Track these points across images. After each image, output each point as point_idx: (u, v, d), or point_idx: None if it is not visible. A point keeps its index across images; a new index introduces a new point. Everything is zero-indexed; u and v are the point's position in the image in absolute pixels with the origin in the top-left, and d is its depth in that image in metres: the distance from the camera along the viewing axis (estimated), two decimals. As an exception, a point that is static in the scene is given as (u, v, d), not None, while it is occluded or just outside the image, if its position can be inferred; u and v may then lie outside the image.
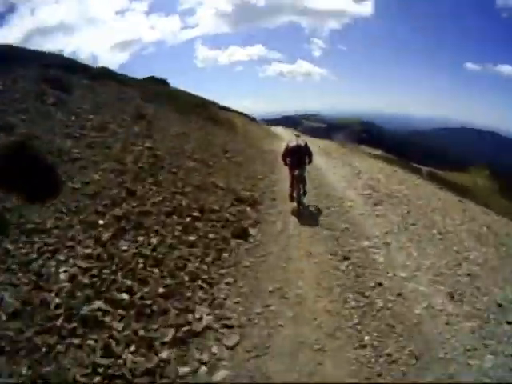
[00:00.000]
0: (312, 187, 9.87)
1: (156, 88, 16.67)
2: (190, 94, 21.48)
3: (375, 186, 10.98)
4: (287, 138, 17.86)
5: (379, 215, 8.29)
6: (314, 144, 18.45)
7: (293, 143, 7.89)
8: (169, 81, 19.98)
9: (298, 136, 8.66)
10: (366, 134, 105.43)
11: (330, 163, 15.36)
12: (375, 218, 8.13)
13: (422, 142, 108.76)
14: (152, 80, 19.75)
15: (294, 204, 7.92)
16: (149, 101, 13.62)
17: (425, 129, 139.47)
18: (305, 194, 8.14)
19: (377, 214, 8.38)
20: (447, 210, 9.41)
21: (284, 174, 10.01)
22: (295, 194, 7.81)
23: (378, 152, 75.90)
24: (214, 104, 23.02)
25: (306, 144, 7.93)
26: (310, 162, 8.09)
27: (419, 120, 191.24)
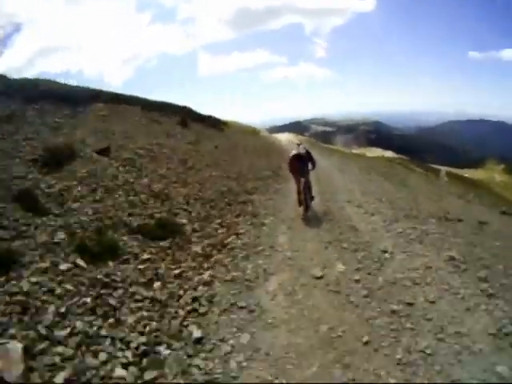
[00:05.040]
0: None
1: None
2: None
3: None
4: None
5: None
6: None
7: (295, 152, 7.77)
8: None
9: (299, 145, 8.37)
10: (374, 136, 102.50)
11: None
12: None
13: (432, 138, 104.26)
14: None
15: (301, 209, 7.61)
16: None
17: (433, 124, 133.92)
18: (312, 198, 7.90)
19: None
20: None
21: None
22: (302, 200, 7.54)
23: (389, 154, 72.83)
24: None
25: (307, 151, 7.88)
26: (314, 167, 7.95)
27: (427, 115, 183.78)
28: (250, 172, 11.29)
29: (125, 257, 5.07)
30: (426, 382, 3.01)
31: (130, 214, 6.18)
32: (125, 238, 5.55)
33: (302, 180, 7.52)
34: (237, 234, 6.24)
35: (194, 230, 6.24)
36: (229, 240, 5.98)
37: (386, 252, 5.36)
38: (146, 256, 5.22)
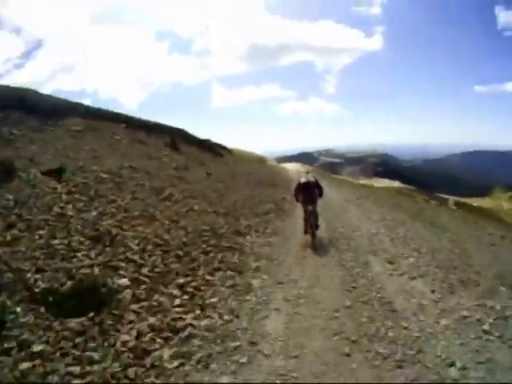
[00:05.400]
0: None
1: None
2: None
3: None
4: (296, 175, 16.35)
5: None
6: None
7: (303, 180, 7.76)
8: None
9: (307, 173, 8.32)
10: (381, 168, 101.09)
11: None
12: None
13: (438, 169, 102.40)
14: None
15: (308, 237, 7.42)
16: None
17: (440, 155, 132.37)
18: (317, 227, 7.62)
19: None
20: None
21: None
22: (309, 228, 7.40)
23: (397, 184, 71.01)
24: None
25: (316, 179, 7.89)
26: (321, 195, 7.90)
27: (434, 147, 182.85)
28: (246, 206, 9.28)
29: (6, 345, 2.96)
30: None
31: (39, 270, 3.96)
32: (19, 309, 3.38)
33: (310, 207, 7.42)
34: (202, 309, 3.93)
35: (136, 299, 3.91)
36: (186, 320, 3.66)
37: (452, 366, 2.98)
38: (38, 347, 3.02)
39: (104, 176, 7.62)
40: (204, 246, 5.79)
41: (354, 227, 8.24)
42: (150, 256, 4.94)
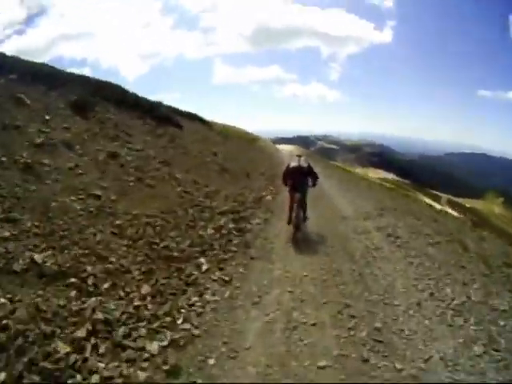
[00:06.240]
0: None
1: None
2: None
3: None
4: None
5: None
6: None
7: (294, 163, 7.05)
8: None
9: (299, 156, 7.51)
10: (377, 158, 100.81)
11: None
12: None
13: (435, 166, 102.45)
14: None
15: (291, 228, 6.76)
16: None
17: (437, 153, 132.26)
18: (305, 219, 7.14)
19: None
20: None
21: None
22: (293, 218, 6.71)
23: (391, 176, 70.89)
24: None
25: (308, 165, 7.08)
26: (315, 184, 7.19)
27: (432, 144, 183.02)
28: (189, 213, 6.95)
29: None
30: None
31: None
32: None
33: (297, 195, 6.79)
34: None
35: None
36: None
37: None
38: None
39: None
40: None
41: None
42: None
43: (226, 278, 4.83)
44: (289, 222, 6.91)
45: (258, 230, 7.00)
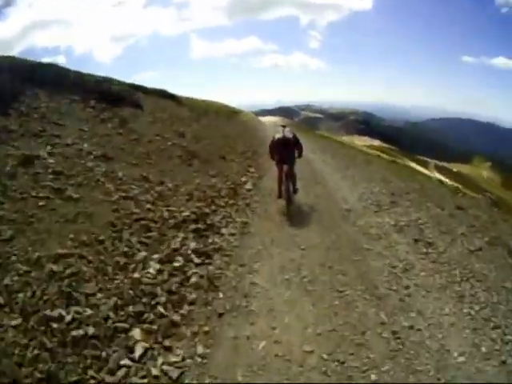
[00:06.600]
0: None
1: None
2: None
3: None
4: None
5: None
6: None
7: (279, 135, 6.77)
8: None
9: (284, 127, 7.07)
10: (363, 125, 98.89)
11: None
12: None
13: (420, 132, 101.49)
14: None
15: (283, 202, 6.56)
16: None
17: (422, 119, 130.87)
18: (295, 191, 6.89)
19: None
20: None
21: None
22: (283, 191, 6.57)
23: (377, 143, 69.43)
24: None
25: (294, 135, 6.83)
26: (300, 155, 6.94)
27: (417, 110, 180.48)
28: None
29: None
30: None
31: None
32: None
33: (285, 167, 6.59)
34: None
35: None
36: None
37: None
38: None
39: None
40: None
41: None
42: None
43: (173, 374, 2.70)
44: (279, 196, 6.79)
45: (231, 248, 4.81)
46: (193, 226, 4.97)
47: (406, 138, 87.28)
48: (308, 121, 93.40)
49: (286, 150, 6.64)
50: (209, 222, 5.32)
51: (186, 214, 5.33)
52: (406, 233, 5.53)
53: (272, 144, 6.86)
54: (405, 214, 6.41)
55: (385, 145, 68.67)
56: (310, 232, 5.52)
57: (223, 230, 5.24)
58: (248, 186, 7.88)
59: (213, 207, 6.03)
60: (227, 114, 18.48)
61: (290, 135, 6.74)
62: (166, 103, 13.73)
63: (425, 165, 50.51)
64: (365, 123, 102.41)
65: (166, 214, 5.20)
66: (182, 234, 4.69)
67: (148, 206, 5.31)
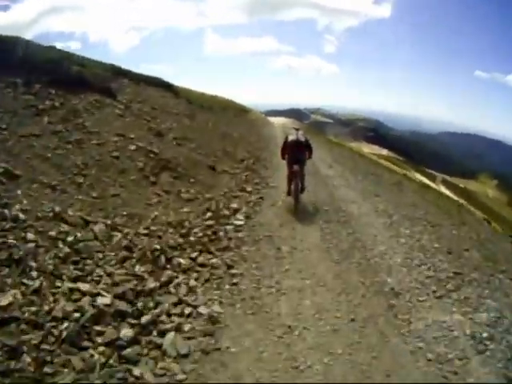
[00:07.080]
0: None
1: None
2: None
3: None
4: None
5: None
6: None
7: (292, 137, 7.12)
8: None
9: (297, 130, 7.54)
10: (372, 133, 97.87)
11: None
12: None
13: (428, 144, 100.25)
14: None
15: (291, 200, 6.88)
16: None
17: (430, 131, 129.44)
18: (302, 190, 7.19)
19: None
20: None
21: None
22: (293, 190, 6.90)
23: (385, 152, 68.43)
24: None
25: (306, 139, 7.24)
26: (310, 157, 7.44)
27: (427, 122, 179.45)
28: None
29: None
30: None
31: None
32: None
33: (296, 167, 6.83)
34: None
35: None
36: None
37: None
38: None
39: None
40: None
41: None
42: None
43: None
44: (288, 194, 7.16)
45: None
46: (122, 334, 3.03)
47: (412, 149, 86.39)
48: (316, 124, 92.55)
49: (297, 152, 6.99)
50: (143, 322, 3.20)
51: (118, 290, 3.34)
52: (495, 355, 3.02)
53: (285, 144, 7.19)
54: (481, 305, 3.80)
55: (392, 154, 67.86)
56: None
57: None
58: (238, 218, 5.93)
59: (162, 279, 3.81)
60: (234, 112, 17.25)
61: (302, 138, 7.12)
62: (157, 93, 11.68)
63: (432, 178, 49.67)
64: (373, 131, 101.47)
65: (85, 289, 3.27)
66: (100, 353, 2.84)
67: (63, 270, 3.39)
